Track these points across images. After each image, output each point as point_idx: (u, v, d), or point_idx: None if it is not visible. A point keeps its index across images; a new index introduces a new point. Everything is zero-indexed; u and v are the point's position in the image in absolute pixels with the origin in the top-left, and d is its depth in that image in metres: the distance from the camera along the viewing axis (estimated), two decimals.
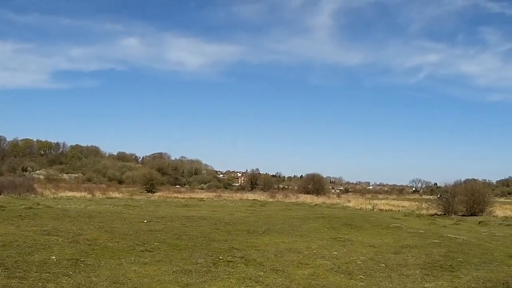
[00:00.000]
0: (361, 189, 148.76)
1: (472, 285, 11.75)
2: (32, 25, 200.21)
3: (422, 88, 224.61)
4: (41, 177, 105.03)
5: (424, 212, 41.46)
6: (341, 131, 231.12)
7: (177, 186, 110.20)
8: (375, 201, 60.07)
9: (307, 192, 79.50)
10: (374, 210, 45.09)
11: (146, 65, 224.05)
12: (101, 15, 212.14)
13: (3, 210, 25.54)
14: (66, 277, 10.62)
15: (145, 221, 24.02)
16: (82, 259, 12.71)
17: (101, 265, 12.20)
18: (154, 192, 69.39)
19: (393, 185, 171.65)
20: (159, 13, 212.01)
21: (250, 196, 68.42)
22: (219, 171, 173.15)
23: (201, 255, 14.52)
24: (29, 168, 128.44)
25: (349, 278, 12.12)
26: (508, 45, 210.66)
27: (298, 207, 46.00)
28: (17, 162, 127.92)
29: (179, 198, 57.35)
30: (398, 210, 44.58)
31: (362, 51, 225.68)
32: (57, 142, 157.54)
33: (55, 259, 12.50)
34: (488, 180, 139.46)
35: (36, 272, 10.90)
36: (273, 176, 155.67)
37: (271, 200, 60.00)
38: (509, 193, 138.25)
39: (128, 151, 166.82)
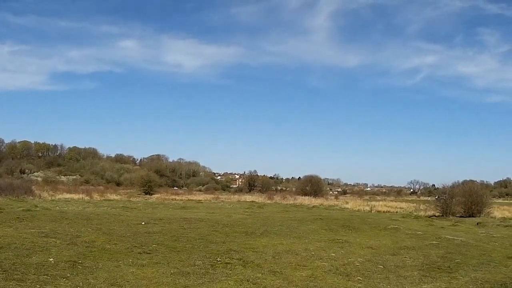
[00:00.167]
0: (359, 191, 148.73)
1: (470, 286, 11.77)
2: (30, 27, 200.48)
3: (420, 89, 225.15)
4: (39, 179, 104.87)
5: (422, 213, 41.45)
6: (339, 132, 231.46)
7: (175, 188, 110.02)
8: (373, 203, 60.02)
9: (305, 194, 79.40)
10: (372, 211, 45.04)
11: (144, 67, 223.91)
12: (99, 17, 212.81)
13: (1, 212, 25.57)
14: (64, 279, 10.62)
15: (143, 223, 24.02)
16: (80, 261, 12.71)
17: (99, 267, 12.20)
18: (152, 194, 69.35)
19: (391, 186, 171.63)
20: (157, 15, 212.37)
21: (248, 198, 68.36)
22: (217, 173, 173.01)
23: (199, 257, 14.53)
24: (27, 170, 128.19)
25: (347, 279, 12.13)
26: (506, 46, 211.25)
27: (296, 208, 46.01)
28: (15, 164, 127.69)
29: (177, 200, 57.37)
30: (396, 212, 44.54)
31: (360, 53, 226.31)
32: (55, 144, 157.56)
33: (53, 261, 12.49)
34: (486, 182, 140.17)
35: (34, 274, 10.90)
36: (271, 178, 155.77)
37: (269, 202, 59.97)
38: (507, 194, 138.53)
39: (126, 153, 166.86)
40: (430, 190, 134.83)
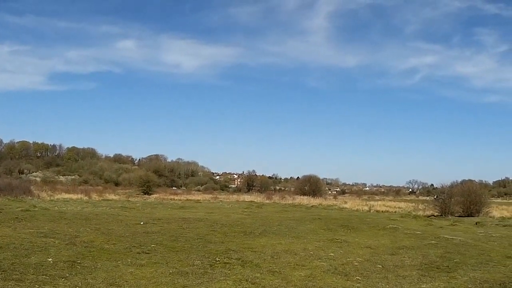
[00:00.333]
0: (357, 191, 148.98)
1: (469, 286, 11.76)
2: (29, 27, 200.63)
3: (419, 89, 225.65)
4: (38, 179, 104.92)
5: (420, 213, 41.45)
6: (338, 132, 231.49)
7: (173, 188, 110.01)
8: (372, 203, 60.11)
9: (304, 194, 79.38)
10: (371, 211, 45.04)
11: (143, 67, 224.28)
12: (98, 18, 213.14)
13: None
14: (62, 279, 10.62)
15: (142, 223, 24.02)
16: (79, 261, 12.70)
17: (98, 267, 12.20)
18: (150, 194, 69.34)
19: (390, 186, 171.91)
20: (155, 15, 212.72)
21: (247, 197, 68.33)
22: (216, 173, 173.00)
23: (198, 256, 14.52)
24: (25, 170, 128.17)
25: (345, 279, 12.13)
26: (504, 46, 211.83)
27: (295, 208, 46.00)
28: (13, 164, 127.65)
29: (176, 200, 57.35)
30: (395, 211, 44.53)
31: (359, 53, 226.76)
32: (53, 144, 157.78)
33: (51, 261, 12.49)
34: (485, 181, 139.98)
35: (32, 274, 10.90)
36: (269, 177, 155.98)
37: (267, 201, 59.95)
38: (505, 194, 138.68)
39: (124, 153, 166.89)
40: (428, 190, 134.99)
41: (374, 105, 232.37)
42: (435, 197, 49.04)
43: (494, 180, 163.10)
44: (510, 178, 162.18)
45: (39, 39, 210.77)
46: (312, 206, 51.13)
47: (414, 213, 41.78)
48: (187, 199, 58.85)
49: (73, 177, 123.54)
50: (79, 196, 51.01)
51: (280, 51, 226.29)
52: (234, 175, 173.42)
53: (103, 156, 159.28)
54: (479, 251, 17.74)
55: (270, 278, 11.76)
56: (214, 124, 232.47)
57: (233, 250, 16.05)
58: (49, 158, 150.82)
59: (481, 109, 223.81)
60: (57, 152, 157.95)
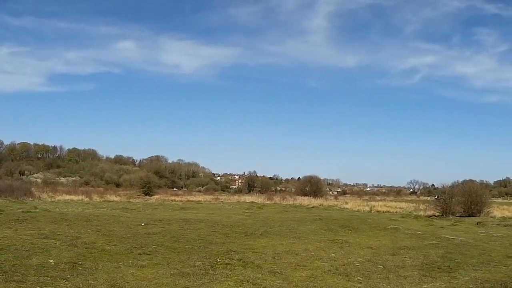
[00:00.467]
0: (358, 191, 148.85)
1: (470, 286, 11.77)
2: (27, 28, 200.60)
3: (418, 89, 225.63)
4: (39, 180, 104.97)
5: (421, 213, 41.46)
6: (338, 133, 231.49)
7: (174, 189, 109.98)
8: (373, 203, 60.12)
9: (305, 194, 79.45)
10: (372, 211, 45.04)
11: (142, 68, 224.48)
12: (97, 18, 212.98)
13: (0, 214, 25.53)
14: (64, 281, 10.62)
15: (143, 224, 24.01)
16: (80, 263, 12.71)
17: (99, 268, 12.20)
18: (151, 195, 69.39)
19: (391, 186, 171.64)
20: (155, 16, 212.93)
21: (248, 198, 68.41)
22: (217, 174, 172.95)
23: (199, 257, 14.53)
24: (26, 172, 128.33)
25: (347, 280, 12.14)
26: (504, 46, 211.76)
27: (296, 209, 46.01)
28: (14, 165, 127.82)
29: (177, 201, 57.40)
30: (396, 212, 44.54)
31: (359, 53, 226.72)
32: (54, 146, 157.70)
33: (53, 263, 12.49)
34: (486, 181, 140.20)
35: (34, 276, 10.90)
36: (270, 178, 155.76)
37: (268, 202, 59.97)
38: (506, 194, 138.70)
39: (125, 154, 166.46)
40: (429, 190, 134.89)
41: (374, 105, 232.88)
42: (436, 197, 48.97)
43: (495, 180, 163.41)
44: (511, 178, 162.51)
45: (38, 40, 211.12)
46: (313, 207, 51.15)
47: (415, 213, 41.80)
48: (188, 200, 58.91)
49: (74, 178, 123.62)
50: (80, 197, 51.03)
51: (280, 51, 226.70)
52: (235, 175, 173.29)
53: (104, 158, 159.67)
54: (480, 251, 17.74)
55: (271, 279, 11.76)
56: (215, 124, 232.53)
57: (234, 251, 16.05)
58: (50, 160, 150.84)
59: (481, 109, 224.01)
60: (57, 153, 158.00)
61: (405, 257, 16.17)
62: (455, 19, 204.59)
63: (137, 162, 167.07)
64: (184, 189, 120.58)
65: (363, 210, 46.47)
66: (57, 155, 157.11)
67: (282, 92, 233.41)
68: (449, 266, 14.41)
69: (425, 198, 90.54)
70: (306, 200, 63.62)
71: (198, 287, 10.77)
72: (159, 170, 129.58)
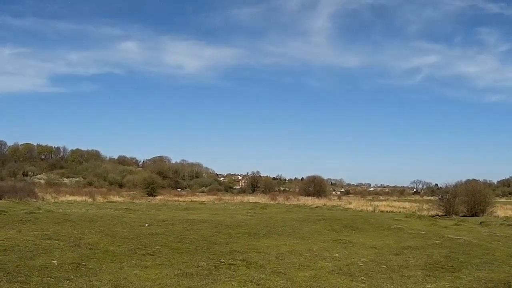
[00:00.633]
0: (362, 191, 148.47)
1: (474, 286, 11.75)
2: (30, 29, 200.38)
3: (421, 89, 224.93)
4: (42, 181, 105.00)
5: (425, 213, 41.40)
6: (341, 133, 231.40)
7: (178, 189, 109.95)
8: (376, 203, 60.10)
9: (308, 194, 79.50)
10: (375, 211, 45.04)
11: (145, 68, 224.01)
12: (99, 19, 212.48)
13: (4, 214, 25.57)
14: (67, 281, 10.64)
15: (146, 224, 24.04)
16: (84, 263, 12.73)
17: (103, 269, 12.22)
18: (155, 196, 69.44)
19: (394, 186, 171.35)
20: (157, 17, 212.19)
21: (251, 198, 68.43)
22: (220, 174, 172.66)
23: (203, 258, 14.54)
24: (29, 173, 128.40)
25: (350, 279, 12.13)
26: (506, 45, 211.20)
27: (299, 209, 46.00)
28: (17, 166, 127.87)
29: (180, 201, 57.37)
30: (399, 212, 44.54)
31: (361, 53, 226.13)
32: (57, 147, 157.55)
33: (56, 264, 12.51)
34: (489, 181, 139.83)
35: (37, 277, 10.92)
36: (274, 178, 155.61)
37: (272, 202, 59.99)
38: (510, 193, 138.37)
39: (128, 155, 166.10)
40: (433, 190, 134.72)
41: (377, 105, 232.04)
42: (439, 197, 48.95)
43: (498, 180, 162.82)
44: None
45: (40, 41, 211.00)
46: (316, 207, 51.13)
47: (418, 213, 41.76)
48: (191, 201, 58.93)
49: (77, 179, 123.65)
50: (84, 198, 51.07)
51: (282, 51, 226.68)
52: (238, 176, 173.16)
53: (107, 158, 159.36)
54: (483, 251, 17.73)
55: (275, 279, 11.76)
56: (218, 125, 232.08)
57: (237, 251, 16.06)
58: (53, 161, 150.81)
59: (484, 109, 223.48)
60: (61, 154, 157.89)
61: (408, 257, 16.17)
62: (457, 18, 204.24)
63: (141, 163, 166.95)
64: (187, 189, 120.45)
65: (367, 210, 46.47)
66: (60, 156, 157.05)
67: (284, 93, 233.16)
68: (452, 266, 14.40)
69: (429, 197, 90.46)
70: (309, 200, 63.68)
71: (202, 287, 10.77)
72: (163, 171, 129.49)
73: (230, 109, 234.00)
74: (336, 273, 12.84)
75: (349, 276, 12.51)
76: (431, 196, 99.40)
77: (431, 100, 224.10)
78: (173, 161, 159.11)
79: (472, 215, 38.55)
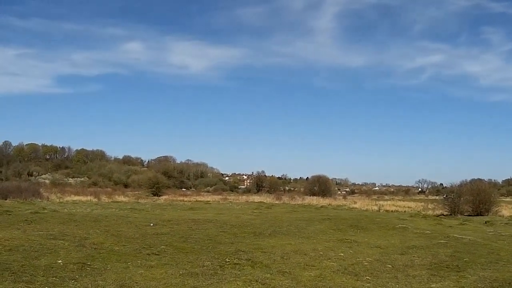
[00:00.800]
0: (367, 190, 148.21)
1: (479, 285, 11.73)
2: (34, 30, 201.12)
3: (426, 89, 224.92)
4: (47, 181, 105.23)
5: (430, 212, 41.34)
6: (346, 132, 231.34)
7: (183, 189, 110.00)
8: (381, 202, 60.06)
9: (313, 194, 79.38)
10: (380, 211, 44.94)
11: (150, 69, 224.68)
12: (104, 20, 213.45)
13: (9, 214, 25.63)
14: (72, 281, 10.65)
15: (151, 224, 24.05)
16: (89, 263, 12.74)
17: (108, 268, 12.23)
18: (160, 196, 69.46)
19: (399, 186, 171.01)
20: (161, 17, 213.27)
21: (256, 198, 68.39)
22: (225, 174, 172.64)
23: (208, 257, 14.54)
24: (34, 173, 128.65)
25: (355, 279, 12.13)
26: (511, 45, 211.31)
27: (304, 209, 45.94)
28: (22, 167, 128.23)
29: (185, 201, 57.39)
30: (404, 211, 44.47)
31: (365, 53, 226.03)
32: (62, 147, 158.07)
33: (61, 263, 12.53)
34: (494, 180, 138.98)
35: (42, 276, 10.94)
36: (279, 178, 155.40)
37: (277, 202, 59.95)
38: None
39: (133, 154, 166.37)
40: (438, 189, 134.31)
41: (382, 105, 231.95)
42: (444, 196, 48.79)
43: (503, 179, 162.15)
44: None
45: (45, 42, 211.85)
46: (321, 207, 51.05)
47: (423, 212, 41.71)
48: (196, 200, 58.90)
49: (82, 179, 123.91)
50: (89, 198, 51.13)
51: (287, 51, 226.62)
52: (243, 175, 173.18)
53: (112, 158, 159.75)
54: (488, 250, 17.70)
55: (280, 279, 11.76)
56: (223, 125, 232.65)
57: (243, 251, 16.07)
58: (58, 161, 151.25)
59: (489, 108, 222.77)
60: (66, 154, 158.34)
61: (413, 256, 16.15)
62: (462, 18, 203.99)
63: (146, 163, 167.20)
64: (192, 189, 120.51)
65: (372, 210, 46.38)
66: (65, 156, 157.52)
67: (289, 92, 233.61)
68: (457, 265, 14.38)
69: (434, 197, 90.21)
70: (314, 200, 63.60)
71: (207, 287, 10.78)
72: (168, 171, 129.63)
73: (235, 109, 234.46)
74: (341, 273, 12.84)
75: (354, 276, 12.51)
76: (436, 195, 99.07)
77: (435, 100, 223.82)
78: (178, 161, 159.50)
79: (477, 215, 38.46)
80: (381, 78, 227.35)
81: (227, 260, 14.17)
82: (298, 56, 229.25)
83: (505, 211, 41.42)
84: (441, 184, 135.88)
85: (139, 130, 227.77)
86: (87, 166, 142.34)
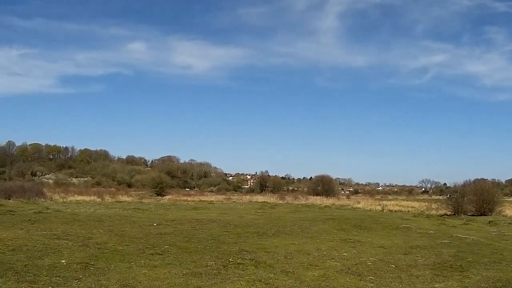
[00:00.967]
0: (370, 190, 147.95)
1: (482, 285, 11.72)
2: (37, 30, 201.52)
3: (429, 88, 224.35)
4: (50, 181, 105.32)
5: (433, 212, 41.28)
6: (349, 132, 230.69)
7: (186, 189, 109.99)
8: (385, 202, 59.93)
9: (317, 194, 79.37)
10: (384, 211, 44.91)
11: (153, 69, 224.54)
12: (107, 20, 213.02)
13: (12, 214, 25.67)
14: (76, 281, 10.67)
15: (155, 224, 24.08)
16: (92, 263, 12.76)
17: (111, 268, 12.25)
18: (163, 196, 69.49)
19: (403, 185, 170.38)
20: (164, 17, 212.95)
21: (260, 198, 68.38)
22: (228, 174, 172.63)
23: (211, 257, 14.55)
24: (38, 173, 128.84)
25: (359, 279, 12.12)
26: None
27: (308, 209, 45.94)
28: (26, 166, 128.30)
29: (189, 201, 57.44)
30: (408, 211, 44.42)
31: (368, 53, 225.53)
32: (65, 147, 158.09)
33: (65, 263, 12.55)
34: (497, 180, 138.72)
35: (46, 276, 10.95)
36: (282, 178, 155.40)
37: (280, 202, 59.93)
38: None
39: (137, 154, 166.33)
40: (441, 189, 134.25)
41: (385, 105, 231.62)
42: (448, 196, 48.82)
43: (507, 179, 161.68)
44: None
45: (48, 42, 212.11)
46: (325, 206, 51.03)
47: (427, 212, 41.65)
48: (200, 200, 58.97)
49: (85, 179, 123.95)
50: (92, 198, 51.23)
51: (290, 51, 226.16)
52: (247, 175, 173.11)
53: (116, 158, 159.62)
54: (492, 250, 17.67)
55: (284, 279, 11.76)
56: (226, 125, 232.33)
57: (246, 251, 16.07)
58: (61, 160, 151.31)
59: (492, 108, 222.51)
60: (69, 154, 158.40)
61: (417, 256, 16.14)
62: (465, 17, 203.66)
63: (149, 163, 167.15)
64: (196, 189, 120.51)
65: (375, 210, 46.37)
66: (68, 156, 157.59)
67: (292, 92, 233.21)
68: (461, 265, 14.36)
69: (437, 197, 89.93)
70: (318, 200, 63.61)
71: (211, 286, 10.78)
72: (171, 171, 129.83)
73: (238, 109, 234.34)
74: (345, 273, 12.83)
75: (357, 276, 12.50)
76: (440, 195, 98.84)
77: (439, 99, 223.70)
78: (181, 161, 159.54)
79: (481, 215, 38.40)
80: (384, 78, 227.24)
81: (230, 260, 14.18)
82: (301, 56, 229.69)
83: (509, 211, 41.29)
84: (445, 184, 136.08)
85: (142, 130, 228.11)
86: (90, 166, 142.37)
